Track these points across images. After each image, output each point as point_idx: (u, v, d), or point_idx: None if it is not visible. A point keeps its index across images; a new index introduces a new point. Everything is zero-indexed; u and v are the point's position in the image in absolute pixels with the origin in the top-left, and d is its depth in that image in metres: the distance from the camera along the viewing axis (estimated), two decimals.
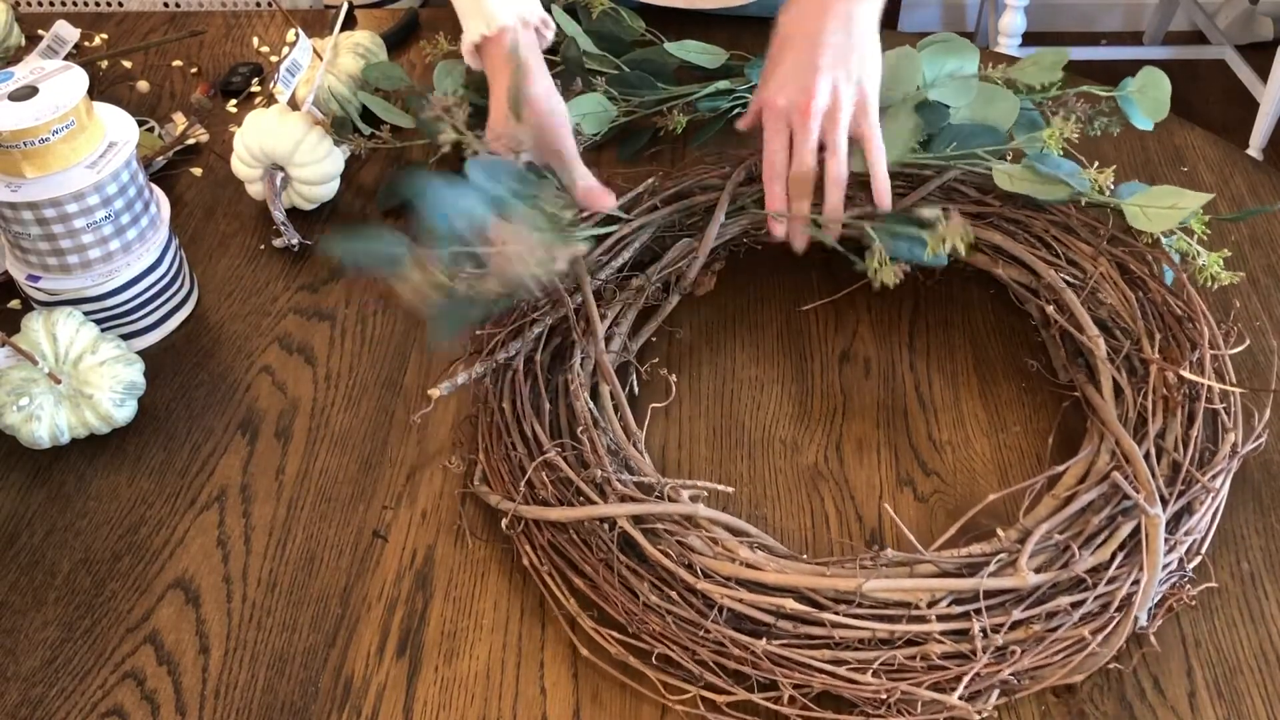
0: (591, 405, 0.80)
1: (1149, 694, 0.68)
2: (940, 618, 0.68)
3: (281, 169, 0.99)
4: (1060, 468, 0.76)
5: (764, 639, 0.67)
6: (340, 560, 0.76)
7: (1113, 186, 0.86)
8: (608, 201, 0.89)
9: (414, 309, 0.78)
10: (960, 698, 0.64)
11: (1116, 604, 0.68)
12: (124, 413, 0.83)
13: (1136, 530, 0.71)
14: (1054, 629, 0.67)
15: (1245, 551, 0.75)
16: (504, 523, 0.76)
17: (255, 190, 1.01)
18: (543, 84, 0.88)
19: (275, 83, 0.97)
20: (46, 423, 0.80)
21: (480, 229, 0.78)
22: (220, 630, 0.73)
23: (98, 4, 1.48)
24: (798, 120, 0.82)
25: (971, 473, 0.81)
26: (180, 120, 1.11)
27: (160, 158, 1.07)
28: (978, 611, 0.67)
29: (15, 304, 0.94)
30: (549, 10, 1.09)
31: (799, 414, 0.85)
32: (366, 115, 1.08)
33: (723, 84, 1.08)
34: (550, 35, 0.92)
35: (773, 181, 0.84)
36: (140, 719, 0.68)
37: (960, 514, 0.74)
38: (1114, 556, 0.70)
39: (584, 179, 0.88)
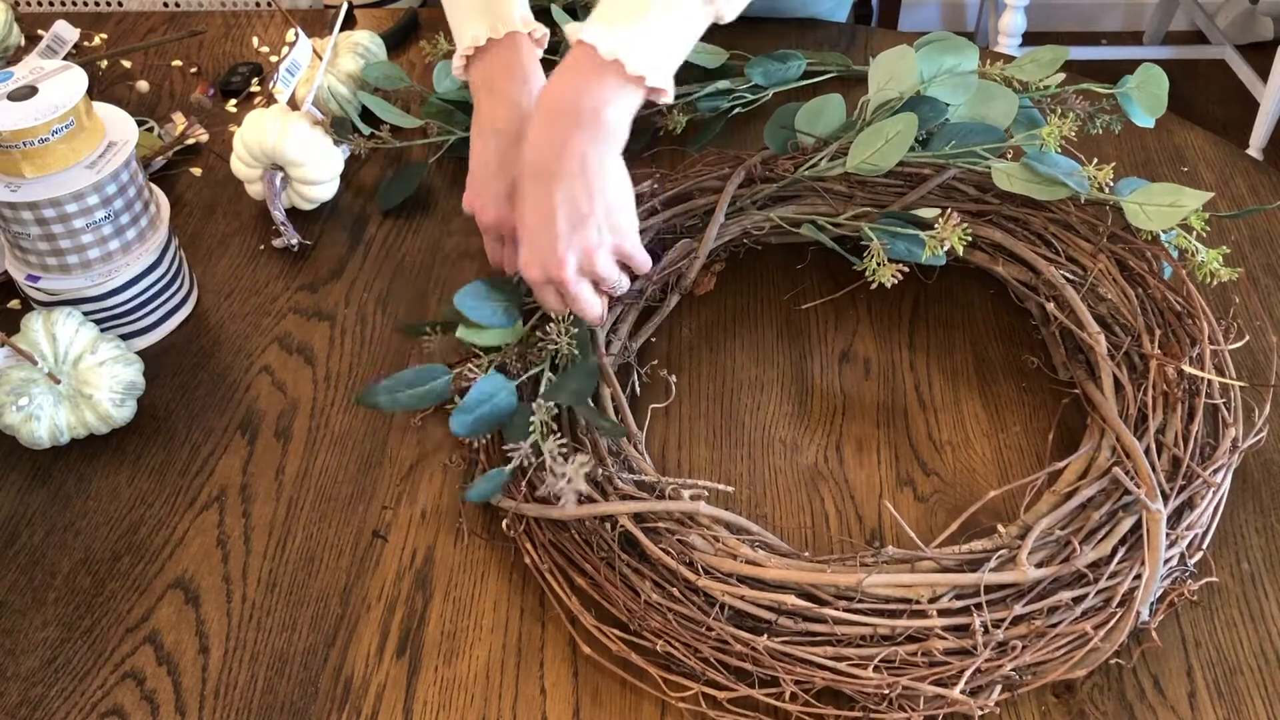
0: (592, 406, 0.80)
1: (1149, 694, 0.68)
2: (941, 613, 0.68)
3: (281, 169, 0.99)
4: (1061, 464, 0.76)
5: (765, 636, 0.67)
6: (340, 560, 0.76)
7: (1112, 184, 0.86)
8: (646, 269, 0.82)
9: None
10: (962, 693, 0.64)
11: (1118, 599, 0.68)
12: (123, 413, 0.83)
13: (1137, 525, 0.71)
14: (1055, 624, 0.67)
15: (1245, 551, 0.75)
16: (505, 522, 0.76)
17: (255, 190, 1.01)
18: (498, 111, 0.85)
19: (275, 83, 0.97)
20: (46, 423, 0.80)
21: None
22: (220, 630, 0.73)
23: (98, 4, 1.48)
24: (562, 290, 0.77)
25: (971, 472, 0.81)
26: (180, 120, 1.11)
27: (160, 158, 1.07)
28: (979, 607, 0.67)
29: (15, 304, 0.94)
30: (549, 10, 1.10)
31: (799, 414, 0.85)
32: (366, 115, 1.08)
33: (722, 84, 1.08)
34: (544, 43, 0.89)
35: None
36: (140, 719, 0.68)
37: (960, 514, 0.74)
38: (1115, 551, 0.70)
39: (638, 251, 0.80)
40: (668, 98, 0.74)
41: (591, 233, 0.75)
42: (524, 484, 0.76)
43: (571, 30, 0.75)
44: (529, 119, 0.78)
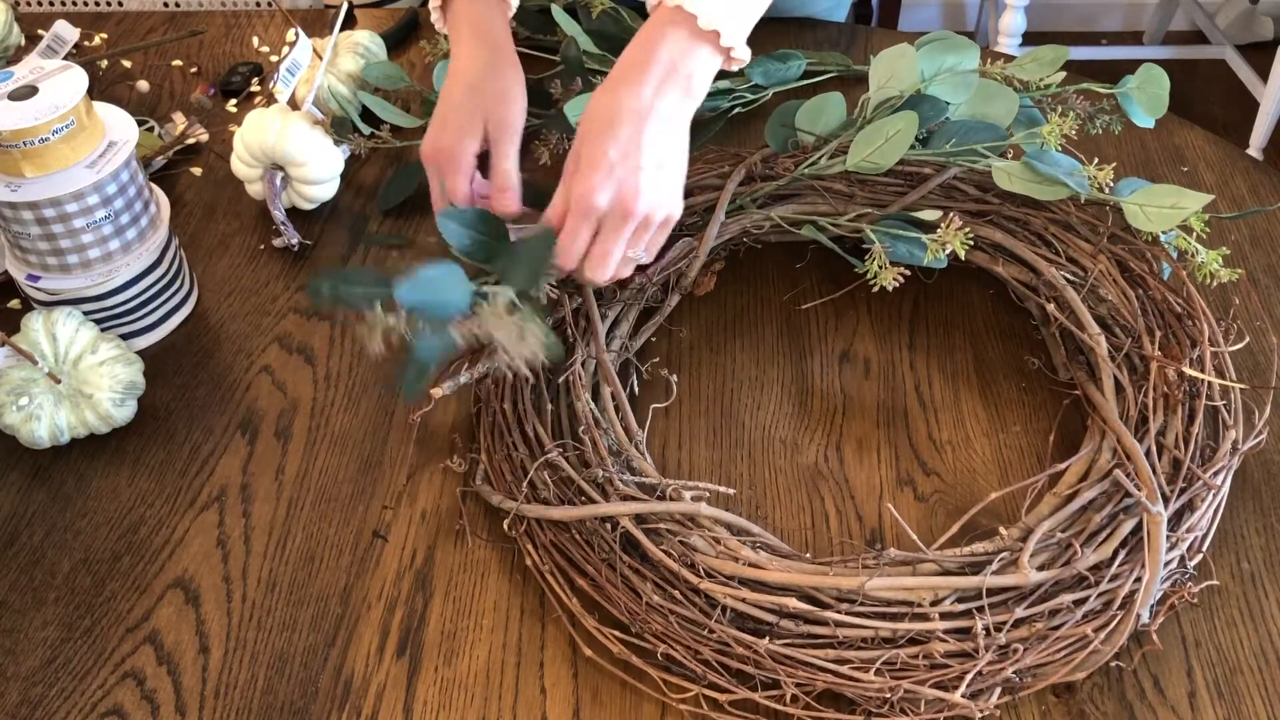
0: (593, 406, 0.80)
1: (1149, 694, 0.68)
2: (943, 616, 0.68)
3: (281, 169, 0.99)
4: (1061, 465, 0.76)
5: (767, 638, 0.67)
6: (340, 560, 0.76)
7: (1112, 184, 0.86)
8: (507, 204, 0.84)
9: (381, 359, 0.77)
10: (963, 696, 0.64)
11: (1119, 601, 0.68)
12: (124, 412, 0.83)
13: (1138, 528, 0.71)
14: (1056, 627, 0.67)
15: (1245, 551, 0.75)
16: (506, 523, 0.76)
17: (255, 190, 1.01)
18: (509, 56, 0.85)
19: (275, 82, 0.97)
20: (46, 422, 0.80)
21: (456, 318, 0.76)
22: (220, 630, 0.73)
23: (98, 4, 1.48)
24: (619, 226, 0.77)
25: (972, 472, 0.81)
26: (180, 120, 1.11)
27: (160, 157, 1.07)
28: (980, 610, 0.67)
29: (15, 304, 0.94)
30: (549, 9, 1.10)
31: (799, 414, 0.85)
32: (366, 115, 1.08)
33: (722, 84, 1.08)
34: (514, 4, 0.90)
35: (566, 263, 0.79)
36: (140, 719, 0.68)
37: (961, 514, 0.74)
38: (1116, 554, 0.70)
39: (501, 175, 0.84)
40: (740, 56, 0.78)
41: (672, 179, 0.77)
42: (525, 484, 0.76)
43: None
44: (501, 61, 0.82)
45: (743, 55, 0.78)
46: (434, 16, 0.89)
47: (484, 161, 0.87)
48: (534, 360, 0.74)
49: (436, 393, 0.80)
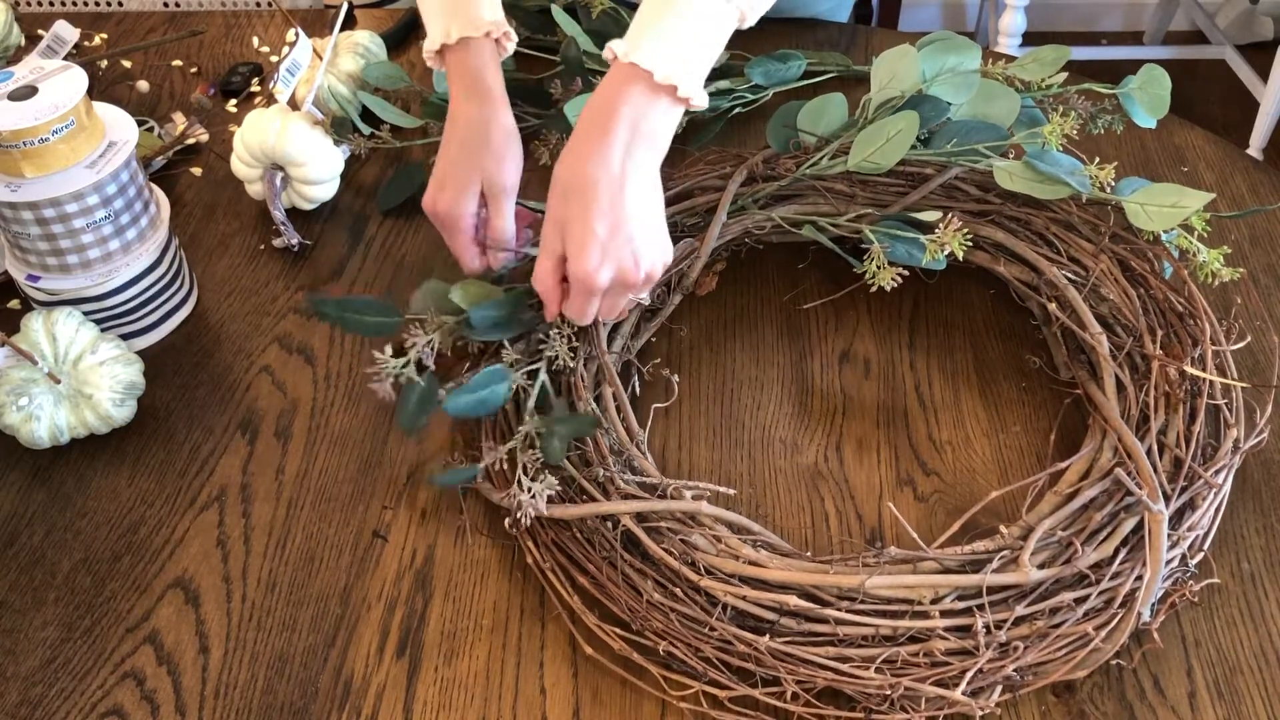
0: (594, 406, 0.80)
1: (1149, 694, 0.68)
2: (943, 614, 0.68)
3: (281, 169, 0.99)
4: (1063, 464, 0.76)
5: (768, 636, 0.67)
6: (340, 560, 0.76)
7: (1114, 183, 0.86)
8: (498, 258, 0.86)
9: (383, 392, 0.79)
10: (963, 693, 0.64)
11: (1120, 600, 0.68)
12: (124, 413, 0.83)
13: (1139, 526, 0.71)
14: (1057, 625, 0.67)
15: (1245, 551, 0.75)
16: (507, 521, 0.76)
17: (255, 190, 1.01)
18: (503, 116, 0.87)
19: (275, 83, 0.97)
20: (46, 423, 0.80)
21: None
22: (220, 630, 0.73)
23: (98, 4, 1.48)
24: (612, 297, 0.78)
25: (971, 472, 0.81)
26: (180, 120, 1.11)
27: (160, 158, 1.07)
28: (981, 608, 0.67)
29: (15, 304, 0.94)
30: (549, 9, 1.10)
31: (799, 414, 0.85)
32: (366, 115, 1.08)
33: (723, 84, 1.08)
34: (511, 48, 0.90)
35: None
36: (140, 719, 0.68)
37: (961, 514, 0.74)
38: (1117, 552, 0.70)
39: (496, 232, 0.86)
40: (699, 104, 0.76)
41: (659, 233, 0.78)
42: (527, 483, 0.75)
43: (617, 49, 0.76)
44: (492, 117, 0.84)
45: (700, 102, 0.76)
46: (429, 60, 0.89)
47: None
48: (541, 510, 0.75)
49: (439, 393, 0.80)
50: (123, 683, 0.70)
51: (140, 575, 0.76)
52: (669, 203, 0.94)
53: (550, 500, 0.73)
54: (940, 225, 0.82)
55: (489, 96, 0.86)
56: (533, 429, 0.77)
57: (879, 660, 0.66)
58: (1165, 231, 0.86)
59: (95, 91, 1.17)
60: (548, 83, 1.06)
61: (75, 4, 1.48)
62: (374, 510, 0.79)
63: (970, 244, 0.82)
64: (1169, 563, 0.70)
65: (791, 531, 0.77)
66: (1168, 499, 0.72)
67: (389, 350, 0.78)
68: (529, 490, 0.73)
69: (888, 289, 0.81)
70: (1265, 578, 0.74)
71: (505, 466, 0.78)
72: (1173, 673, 0.69)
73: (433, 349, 0.80)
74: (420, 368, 0.80)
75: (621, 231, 0.75)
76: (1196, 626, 0.71)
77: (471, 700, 0.69)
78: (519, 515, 0.73)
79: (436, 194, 0.85)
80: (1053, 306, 0.85)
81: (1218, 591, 0.73)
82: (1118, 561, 0.70)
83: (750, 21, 0.78)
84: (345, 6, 1.18)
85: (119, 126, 0.87)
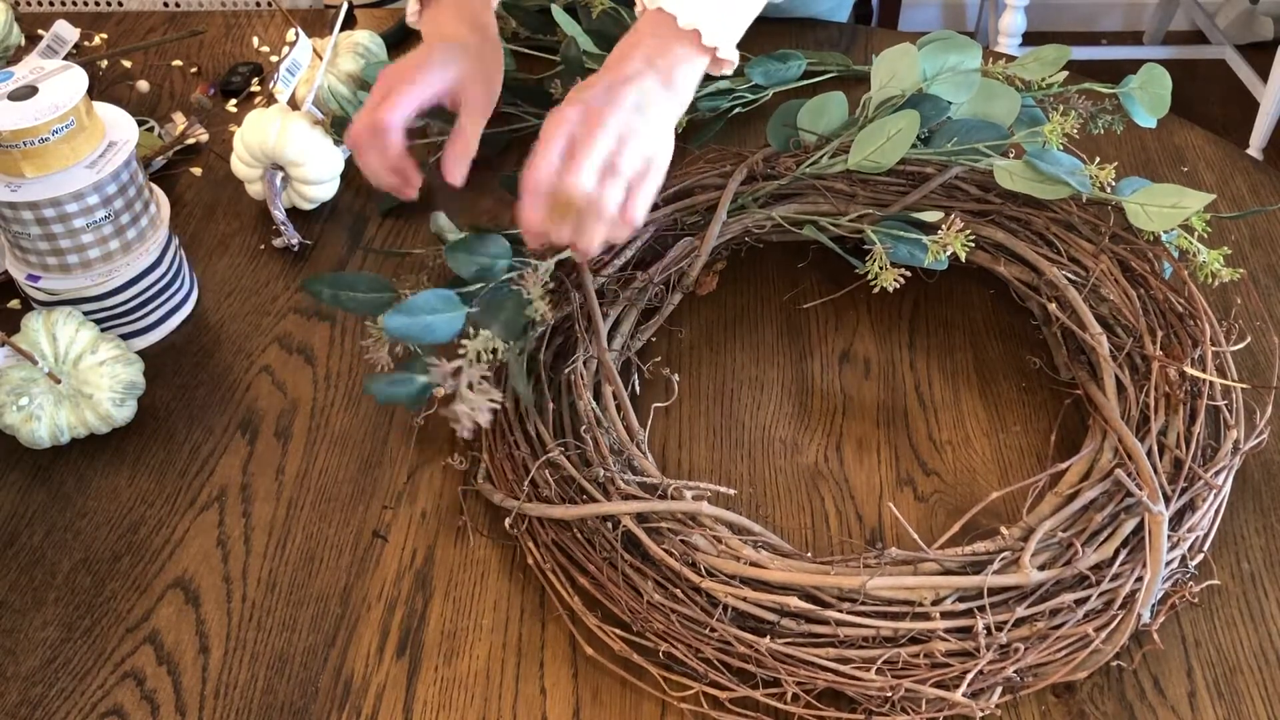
0: (594, 405, 0.80)
1: (1149, 694, 0.68)
2: (944, 615, 0.68)
3: (281, 169, 0.99)
4: (1063, 465, 0.76)
5: (768, 637, 0.67)
6: (340, 560, 0.76)
7: (1114, 183, 0.86)
8: (452, 173, 0.81)
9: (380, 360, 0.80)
10: (964, 695, 0.64)
11: (1120, 601, 0.68)
12: (124, 412, 0.83)
13: (1139, 527, 0.71)
14: (1057, 626, 0.67)
15: (1245, 551, 0.75)
16: (508, 521, 0.76)
17: (255, 190, 1.01)
18: (495, 52, 0.85)
19: (275, 82, 0.97)
20: (46, 422, 0.80)
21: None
22: (220, 630, 0.73)
23: (98, 4, 1.48)
24: (583, 128, 0.71)
25: (971, 472, 0.81)
26: (180, 120, 1.11)
27: (160, 158, 1.07)
28: (981, 609, 0.67)
29: (15, 304, 0.94)
30: (549, 9, 1.10)
31: (799, 414, 0.85)
32: None
33: (723, 83, 1.08)
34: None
35: (534, 193, 0.72)
36: (140, 719, 0.68)
37: (961, 514, 0.74)
38: (1117, 553, 0.70)
39: (464, 142, 0.82)
40: (725, 56, 0.76)
41: (652, 124, 0.73)
42: (527, 483, 0.75)
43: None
44: (490, 47, 0.82)
45: (729, 56, 0.76)
46: (411, 16, 0.88)
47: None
48: (480, 423, 0.76)
49: (440, 393, 0.80)
50: (123, 683, 0.70)
51: (140, 575, 0.76)
52: (669, 201, 0.94)
53: (549, 501, 0.73)
54: (943, 226, 0.82)
55: (484, 30, 0.85)
56: (475, 314, 0.76)
57: (879, 661, 0.66)
58: (1165, 232, 0.86)
59: (95, 91, 1.17)
60: (548, 83, 1.06)
61: (75, 4, 1.48)
62: (374, 510, 0.79)
63: (971, 244, 0.82)
64: (1169, 564, 0.70)
65: (791, 531, 0.77)
66: (1168, 500, 0.72)
67: (382, 320, 0.77)
68: (470, 404, 0.72)
69: (890, 290, 0.81)
70: (1265, 578, 0.74)
71: (506, 467, 0.78)
72: (1173, 673, 0.69)
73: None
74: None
75: (603, 98, 0.72)
76: (1196, 627, 0.71)
77: (471, 700, 0.69)
78: (456, 427, 0.72)
79: (402, 60, 0.82)
80: (1053, 307, 0.85)
81: (1218, 592, 0.73)
82: (1118, 563, 0.70)
83: None
84: (345, 6, 1.18)
85: (119, 126, 0.87)
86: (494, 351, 0.77)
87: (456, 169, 0.82)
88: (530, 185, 0.71)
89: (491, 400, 0.73)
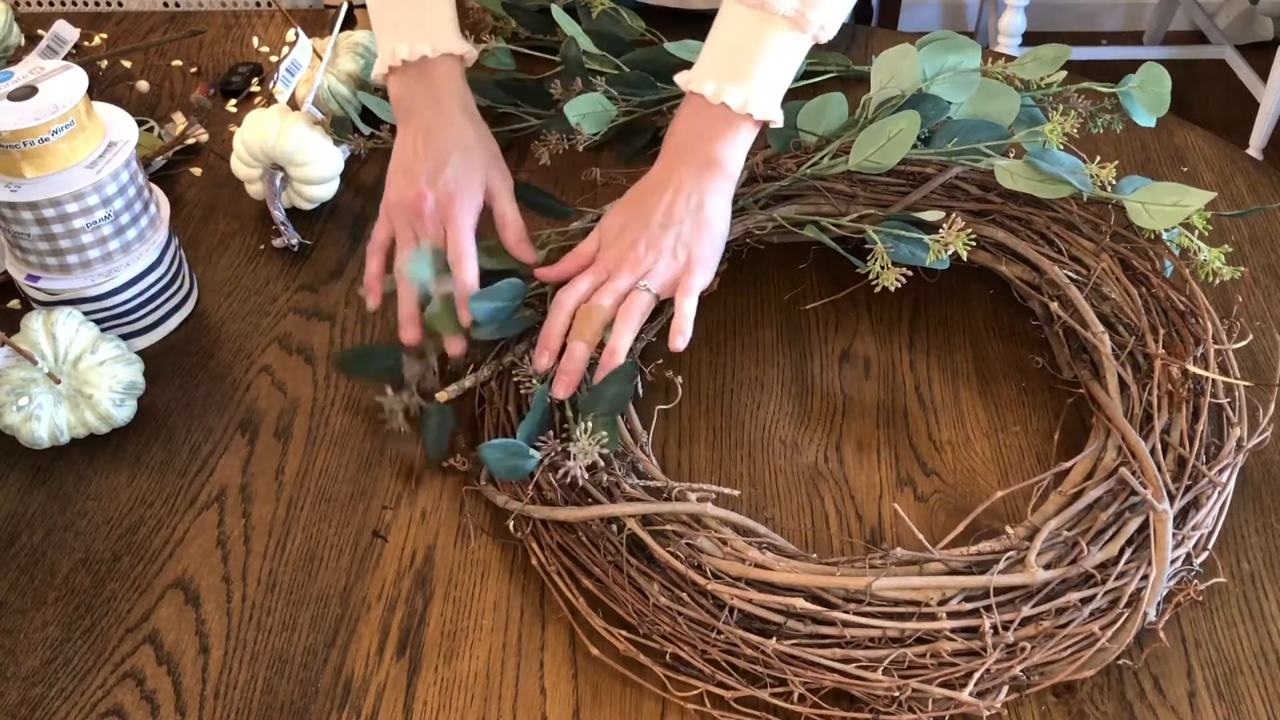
0: None
1: (1149, 694, 0.68)
2: (950, 615, 0.68)
3: (281, 169, 0.99)
4: (1067, 464, 0.76)
5: (774, 639, 0.67)
6: (340, 560, 0.76)
7: (1114, 182, 0.86)
8: (526, 254, 0.86)
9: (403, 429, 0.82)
10: (970, 694, 0.64)
11: (1125, 600, 0.68)
12: (124, 413, 0.83)
13: (1144, 526, 0.71)
14: (1063, 625, 0.67)
15: (1245, 551, 0.75)
16: (511, 522, 0.76)
17: (255, 190, 1.01)
18: (488, 136, 0.88)
19: (275, 82, 0.97)
20: (46, 423, 0.80)
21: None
22: (220, 630, 0.73)
23: (98, 4, 1.48)
24: (625, 269, 0.79)
25: (972, 472, 0.81)
26: (180, 120, 1.11)
27: (160, 158, 1.07)
28: (988, 608, 0.67)
29: (15, 304, 0.94)
30: (549, 9, 1.10)
31: (799, 414, 0.85)
32: (366, 115, 1.08)
33: None
34: (472, 57, 0.91)
35: (558, 311, 0.80)
36: (140, 719, 0.68)
37: (961, 513, 0.74)
38: (1122, 552, 0.70)
39: (516, 227, 0.86)
40: (777, 122, 0.82)
41: (678, 242, 0.80)
42: (531, 485, 0.75)
43: (687, 82, 0.82)
44: (484, 132, 0.87)
45: (778, 119, 0.82)
46: (378, 76, 0.89)
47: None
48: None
49: (442, 396, 0.80)
50: (123, 683, 0.70)
51: (140, 575, 0.76)
52: None
53: (553, 504, 0.73)
54: (944, 225, 0.82)
55: (471, 113, 0.89)
56: (581, 402, 0.77)
57: (886, 662, 0.66)
58: (1166, 230, 0.86)
59: (95, 91, 1.17)
60: (548, 83, 1.06)
61: (75, 4, 1.48)
62: (374, 510, 0.79)
63: (972, 244, 0.82)
64: (1173, 562, 0.70)
65: (792, 532, 0.77)
66: (1172, 498, 0.72)
67: (389, 391, 0.81)
68: (581, 450, 0.74)
69: (892, 289, 0.81)
70: (1265, 578, 0.74)
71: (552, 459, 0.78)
72: (1173, 673, 0.69)
73: (434, 372, 0.83)
74: (426, 396, 0.82)
75: (672, 228, 0.79)
76: (1196, 626, 0.71)
77: (471, 700, 0.69)
78: (568, 469, 0.73)
79: (444, 188, 0.84)
80: (1054, 306, 0.85)
81: (1218, 592, 0.73)
82: (1123, 561, 0.70)
83: (828, 36, 0.81)
84: (345, 6, 1.18)
85: (119, 126, 0.87)
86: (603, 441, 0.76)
87: (524, 251, 0.86)
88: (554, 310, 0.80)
89: (602, 448, 0.75)
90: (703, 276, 0.80)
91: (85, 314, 0.85)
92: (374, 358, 0.85)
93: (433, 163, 0.85)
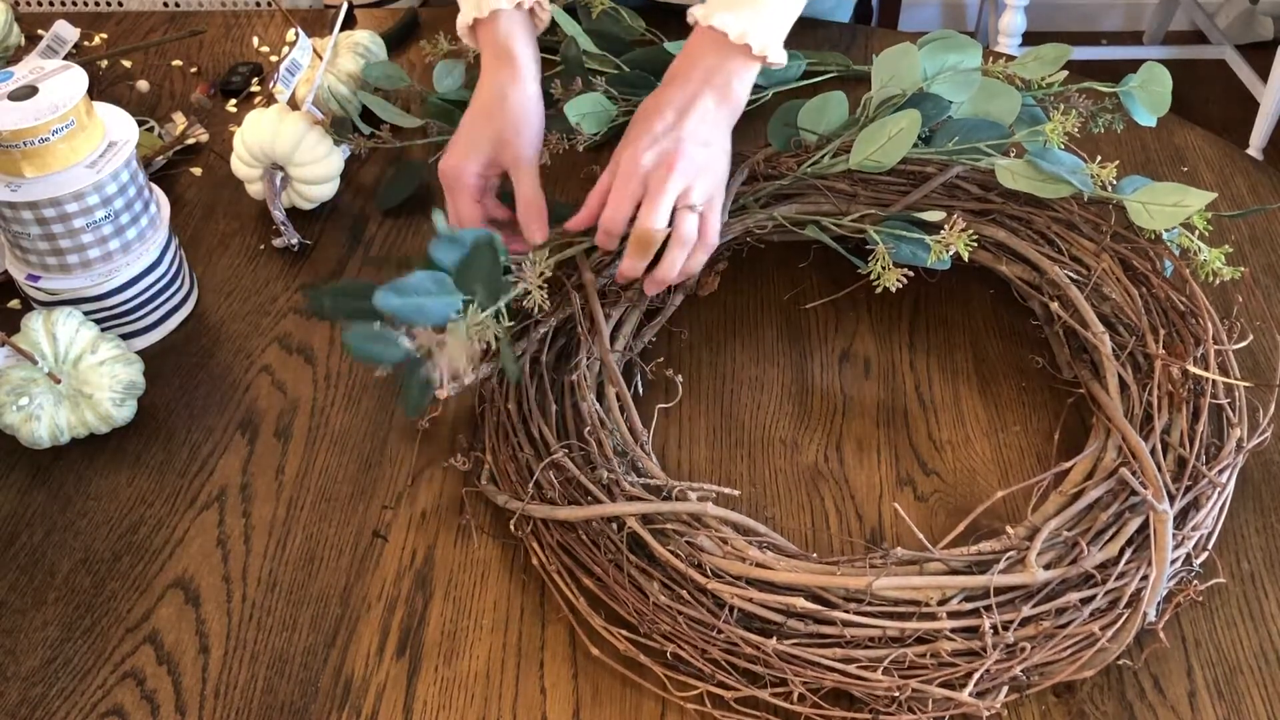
0: (598, 406, 0.79)
1: (1149, 694, 0.68)
2: (950, 615, 0.68)
3: (281, 169, 0.99)
4: (1067, 464, 0.76)
5: (775, 638, 0.67)
6: (340, 560, 0.76)
7: (1115, 182, 0.86)
8: (534, 234, 0.84)
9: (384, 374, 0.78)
10: (971, 694, 0.64)
11: (1125, 600, 0.68)
12: (124, 412, 0.83)
13: (1144, 526, 0.71)
14: (1063, 625, 0.67)
15: (1245, 551, 0.75)
16: (512, 522, 0.76)
17: (255, 190, 1.01)
18: (527, 85, 0.87)
19: (275, 82, 0.97)
20: (46, 422, 0.80)
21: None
22: (220, 630, 0.73)
23: (98, 4, 1.48)
24: (656, 180, 0.79)
25: (972, 472, 0.81)
26: (180, 120, 1.11)
27: (160, 157, 1.07)
28: (988, 608, 0.67)
29: (15, 304, 0.94)
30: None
31: (799, 414, 0.85)
32: (366, 115, 1.08)
33: None
34: (546, 18, 0.92)
35: (611, 234, 0.81)
36: (140, 719, 0.68)
37: (961, 513, 0.74)
38: (1122, 552, 0.70)
39: (524, 204, 0.84)
40: (775, 60, 0.84)
41: (715, 161, 0.82)
42: (531, 485, 0.75)
43: (697, 14, 0.84)
44: (518, 88, 0.86)
45: (778, 59, 0.83)
46: (463, 35, 0.91)
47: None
48: (463, 376, 0.76)
49: (442, 393, 0.80)
50: (123, 683, 0.70)
51: (140, 575, 0.76)
52: None
53: (554, 503, 0.73)
54: (945, 225, 0.82)
55: (514, 64, 0.87)
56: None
57: (886, 661, 0.66)
58: (1167, 230, 0.86)
59: (95, 91, 1.17)
60: (548, 83, 1.06)
61: (75, 4, 1.48)
62: (374, 510, 0.79)
63: (973, 244, 0.82)
64: (1173, 562, 0.70)
65: (792, 531, 0.77)
66: (1172, 498, 0.72)
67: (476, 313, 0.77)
68: (452, 358, 0.72)
69: (893, 289, 0.81)
70: (1265, 578, 0.74)
71: (510, 468, 0.78)
72: (1173, 673, 0.69)
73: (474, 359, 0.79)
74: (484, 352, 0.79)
75: (674, 132, 0.80)
76: (1196, 626, 0.71)
77: (471, 700, 0.69)
78: (438, 393, 0.73)
79: (446, 154, 0.86)
80: (1055, 306, 0.85)
81: (1218, 592, 0.73)
82: (1123, 561, 0.70)
83: None
84: (345, 6, 1.18)
85: (119, 126, 0.87)
86: (481, 324, 0.74)
87: (533, 229, 0.85)
88: (607, 227, 0.81)
89: (470, 352, 0.72)
90: (703, 185, 0.81)
91: (85, 314, 0.85)
92: (353, 293, 0.75)
93: (460, 128, 0.87)
